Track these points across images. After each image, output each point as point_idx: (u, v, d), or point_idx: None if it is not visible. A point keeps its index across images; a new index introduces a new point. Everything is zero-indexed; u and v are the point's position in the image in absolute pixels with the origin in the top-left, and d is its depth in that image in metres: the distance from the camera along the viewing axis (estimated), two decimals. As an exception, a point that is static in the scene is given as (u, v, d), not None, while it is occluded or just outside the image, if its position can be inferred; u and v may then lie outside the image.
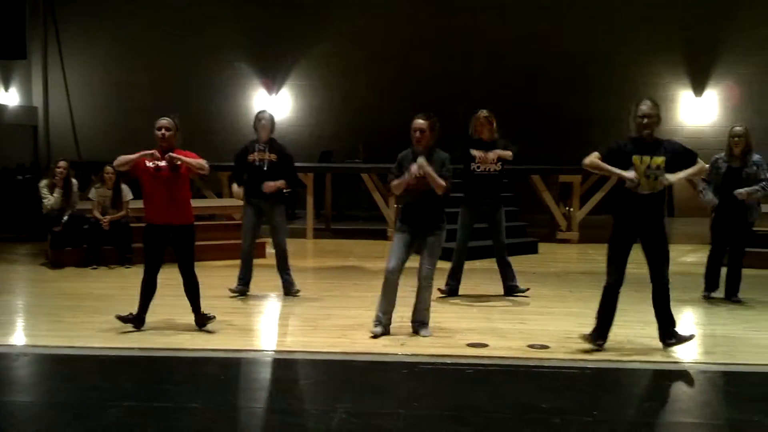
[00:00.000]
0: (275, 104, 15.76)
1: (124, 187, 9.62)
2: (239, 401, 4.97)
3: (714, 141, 14.25)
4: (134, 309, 6.36)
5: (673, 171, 5.61)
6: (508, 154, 7.46)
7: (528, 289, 7.85)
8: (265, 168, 7.54)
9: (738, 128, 7.59)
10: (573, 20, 15.16)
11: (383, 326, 6.23)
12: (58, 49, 15.77)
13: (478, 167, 7.45)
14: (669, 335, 5.82)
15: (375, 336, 6.16)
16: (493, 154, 7.43)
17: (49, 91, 16.00)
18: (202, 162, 6.29)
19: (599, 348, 5.78)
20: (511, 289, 7.83)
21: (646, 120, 5.60)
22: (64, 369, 5.54)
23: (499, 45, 15.22)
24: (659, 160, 5.56)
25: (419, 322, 6.31)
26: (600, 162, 5.69)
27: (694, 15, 15.18)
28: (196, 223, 6.51)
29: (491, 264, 8.03)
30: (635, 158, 5.58)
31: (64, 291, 8.06)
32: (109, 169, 9.50)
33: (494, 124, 7.56)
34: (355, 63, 15.62)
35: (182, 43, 15.59)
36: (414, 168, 6.00)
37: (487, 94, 14.43)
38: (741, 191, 7.36)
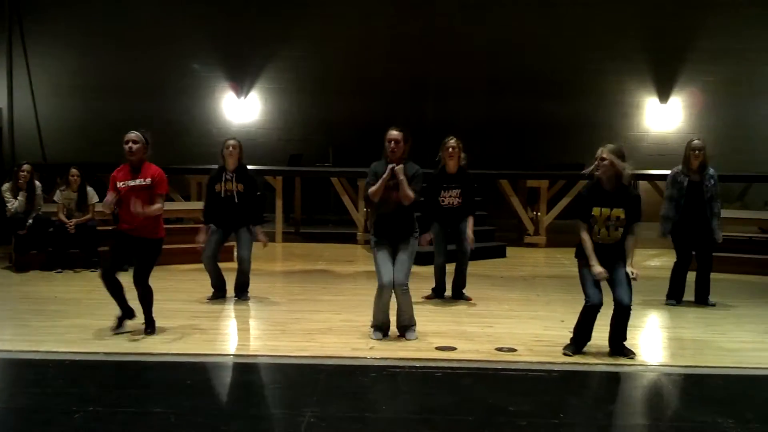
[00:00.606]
0: (244, 108, 15.71)
1: (90, 190, 9.52)
2: (206, 406, 4.93)
3: (678, 147, 14.32)
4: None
5: (629, 221, 5.70)
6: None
7: (471, 299, 7.98)
8: (236, 200, 7.58)
9: (697, 141, 7.79)
10: (541, 28, 15.28)
11: (382, 332, 6.32)
12: (23, 51, 15.53)
13: (443, 201, 7.81)
14: (616, 347, 5.94)
15: (377, 339, 6.25)
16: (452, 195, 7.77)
17: (14, 93, 15.75)
18: (159, 209, 6.26)
19: (569, 356, 5.87)
20: (459, 295, 8.03)
21: (595, 162, 5.70)
22: (28, 374, 5.45)
23: (470, 51, 15.29)
24: (618, 211, 5.67)
25: (404, 327, 6.36)
26: (588, 245, 5.71)
27: (660, 23, 15.41)
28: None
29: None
30: (595, 210, 5.69)
31: (29, 295, 7.94)
32: (74, 171, 9.41)
33: (461, 154, 7.80)
34: (325, 67, 15.60)
35: (150, 46, 15.44)
36: (388, 168, 6.04)
37: (457, 100, 14.56)
38: (719, 238, 7.67)
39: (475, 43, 15.26)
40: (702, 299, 7.86)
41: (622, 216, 5.66)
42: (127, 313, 6.44)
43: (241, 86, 15.88)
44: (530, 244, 12.08)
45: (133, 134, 6.28)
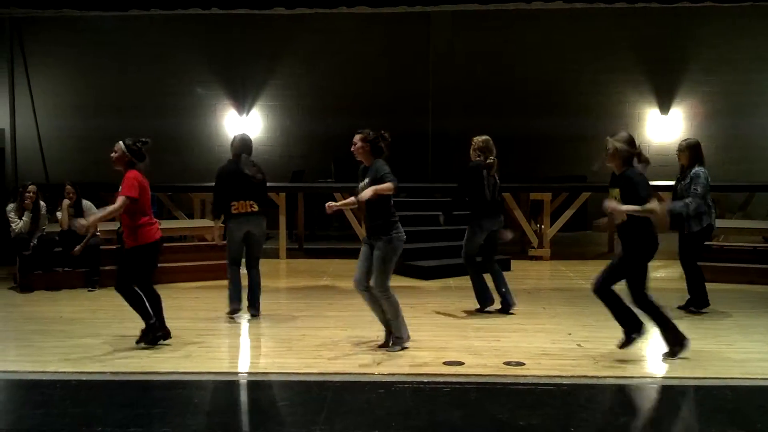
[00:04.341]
0: (246, 125, 15.74)
1: (86, 203, 9.54)
2: (214, 425, 4.90)
3: (681, 158, 14.46)
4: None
5: (627, 201, 5.83)
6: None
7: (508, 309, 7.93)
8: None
9: (681, 142, 7.86)
10: (542, 41, 15.35)
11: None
12: (25, 72, 15.56)
13: (489, 194, 7.65)
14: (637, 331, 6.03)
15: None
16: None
17: (17, 113, 15.79)
18: (106, 214, 6.52)
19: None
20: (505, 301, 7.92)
21: (603, 154, 6.05)
22: (34, 395, 5.43)
23: (471, 65, 15.37)
24: (615, 191, 5.97)
25: (388, 333, 6.43)
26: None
27: (658, 35, 15.47)
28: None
29: (465, 281, 8.05)
30: (611, 191, 6.03)
31: (34, 315, 7.92)
32: (68, 188, 9.47)
33: (492, 150, 7.75)
34: (324, 83, 15.66)
35: (150, 65, 15.53)
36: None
37: (458, 113, 14.58)
38: (668, 208, 7.49)
39: (473, 57, 15.32)
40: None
41: (618, 196, 5.91)
42: (148, 319, 6.47)
43: (243, 104, 15.95)
44: (534, 257, 12.06)
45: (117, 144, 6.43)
